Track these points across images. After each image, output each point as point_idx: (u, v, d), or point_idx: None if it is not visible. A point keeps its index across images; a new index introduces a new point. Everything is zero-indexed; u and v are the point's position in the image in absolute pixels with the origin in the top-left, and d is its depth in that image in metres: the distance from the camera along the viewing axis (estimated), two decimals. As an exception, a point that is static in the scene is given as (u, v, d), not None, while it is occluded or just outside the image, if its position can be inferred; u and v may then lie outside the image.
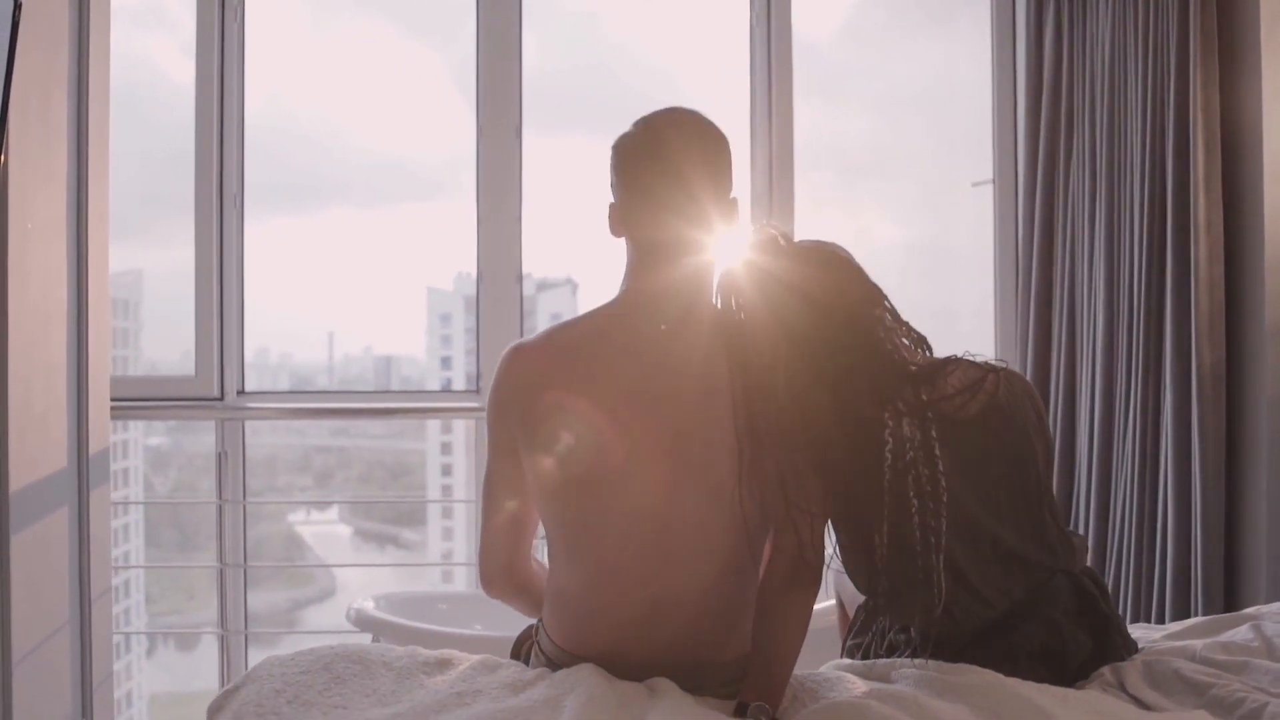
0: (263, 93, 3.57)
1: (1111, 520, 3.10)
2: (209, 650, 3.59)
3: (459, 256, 3.68)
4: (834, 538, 1.73)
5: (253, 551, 3.55)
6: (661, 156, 1.62)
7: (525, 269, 3.53)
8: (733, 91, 3.63)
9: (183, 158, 3.43)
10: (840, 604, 2.30)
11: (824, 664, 1.74)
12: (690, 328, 1.63)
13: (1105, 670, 1.71)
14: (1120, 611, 2.89)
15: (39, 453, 2.38)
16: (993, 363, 1.77)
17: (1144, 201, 2.99)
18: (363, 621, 2.83)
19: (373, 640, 2.74)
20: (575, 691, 1.48)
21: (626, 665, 1.58)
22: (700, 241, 1.63)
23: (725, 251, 1.67)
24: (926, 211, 4.07)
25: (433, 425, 5.29)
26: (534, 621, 1.78)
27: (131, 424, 4.44)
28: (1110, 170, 3.13)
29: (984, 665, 1.62)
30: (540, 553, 1.87)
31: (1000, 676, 1.57)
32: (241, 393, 3.48)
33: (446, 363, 5.25)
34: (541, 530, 1.71)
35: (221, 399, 3.43)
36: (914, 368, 1.71)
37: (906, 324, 1.75)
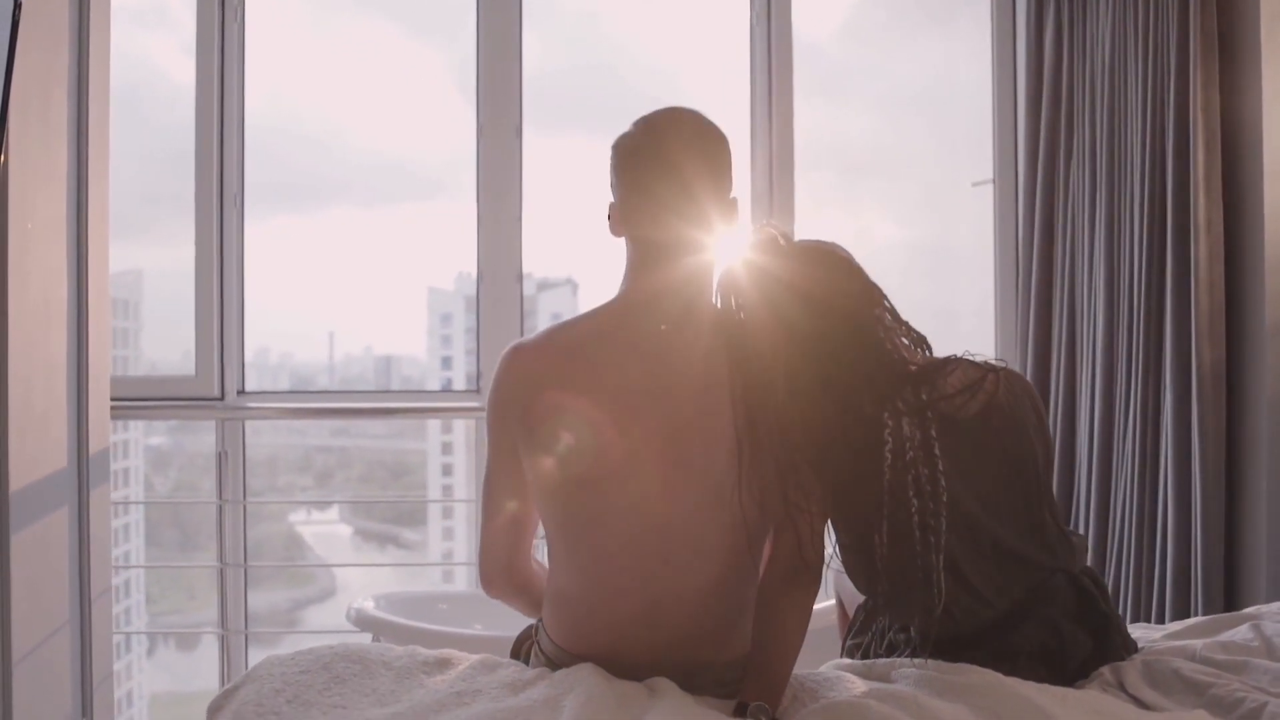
0: (263, 92, 3.57)
1: (1111, 520, 3.10)
2: (209, 650, 3.59)
3: (460, 256, 3.68)
4: (833, 537, 1.73)
5: (253, 551, 3.56)
6: (661, 156, 1.62)
7: (526, 269, 3.53)
8: (733, 91, 3.63)
9: (183, 157, 3.43)
10: (840, 604, 2.30)
11: (824, 664, 1.74)
12: (690, 327, 1.63)
13: (1105, 670, 1.71)
14: (1120, 611, 2.89)
15: (39, 452, 2.38)
16: (992, 362, 1.77)
17: (1144, 201, 2.99)
18: (363, 621, 2.83)
19: (373, 640, 2.74)
20: (575, 691, 1.48)
21: (626, 665, 1.58)
22: (700, 241, 1.63)
23: (725, 251, 1.67)
24: (927, 211, 4.07)
25: (433, 425, 5.29)
26: (534, 621, 1.78)
27: (132, 424, 4.44)
28: (1110, 170, 3.13)
29: (984, 665, 1.62)
30: (540, 553, 1.87)
31: (1000, 676, 1.57)
32: (242, 392, 3.49)
33: (447, 362, 5.25)
34: (541, 530, 1.71)
35: (222, 399, 3.43)
36: (914, 367, 1.71)
37: (906, 324, 1.75)
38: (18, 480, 2.25)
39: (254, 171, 3.51)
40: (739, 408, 1.58)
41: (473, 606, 2.99)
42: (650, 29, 4.18)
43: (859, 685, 1.59)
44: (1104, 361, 3.11)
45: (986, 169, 3.63)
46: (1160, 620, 2.89)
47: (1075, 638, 1.72)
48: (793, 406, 1.60)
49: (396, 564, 5.38)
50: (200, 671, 4.25)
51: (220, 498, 3.41)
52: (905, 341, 1.75)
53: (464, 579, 3.99)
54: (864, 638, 1.88)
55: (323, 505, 6.07)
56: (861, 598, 1.91)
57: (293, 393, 3.98)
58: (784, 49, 3.55)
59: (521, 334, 3.40)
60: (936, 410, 1.67)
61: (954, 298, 4.03)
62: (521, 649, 1.81)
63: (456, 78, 3.72)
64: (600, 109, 4.14)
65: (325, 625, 4.62)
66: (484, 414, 1.71)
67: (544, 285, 4.30)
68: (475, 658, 1.66)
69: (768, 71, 3.56)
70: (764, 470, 1.58)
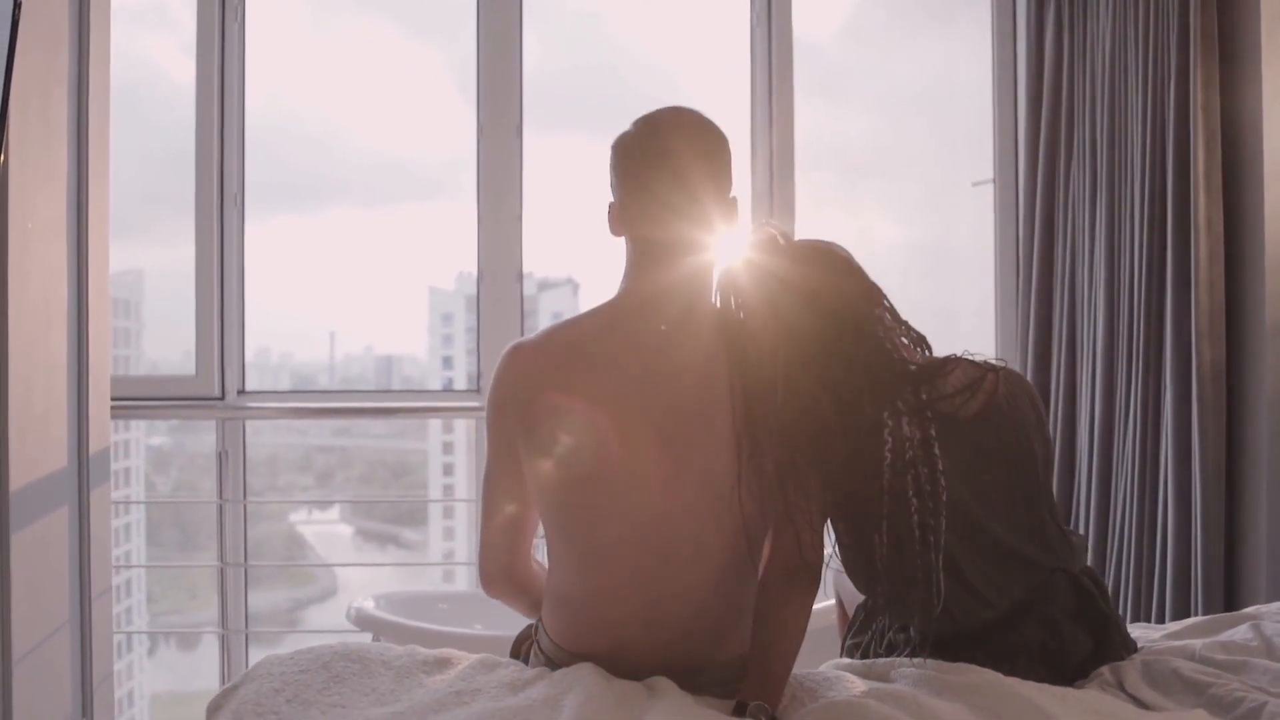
0: (263, 92, 3.57)
1: (1111, 520, 3.10)
2: (210, 650, 3.59)
3: (460, 256, 3.68)
4: (833, 537, 1.73)
5: (254, 551, 3.56)
6: (662, 155, 1.62)
7: (526, 268, 3.53)
8: (733, 91, 3.63)
9: (183, 157, 3.43)
10: (839, 603, 2.30)
11: (823, 663, 1.74)
12: (690, 327, 1.63)
13: (1104, 669, 1.71)
14: (1120, 611, 2.90)
15: (39, 452, 2.38)
16: (992, 362, 1.77)
17: (1144, 201, 2.99)
18: (363, 621, 2.83)
19: (373, 640, 2.74)
20: (574, 690, 1.48)
21: (626, 664, 1.58)
22: (700, 241, 1.63)
23: (725, 251, 1.67)
24: (927, 211, 4.07)
25: (434, 425, 5.30)
26: (533, 621, 1.78)
27: (133, 423, 4.45)
28: (1110, 170, 3.13)
29: (983, 664, 1.62)
30: (540, 552, 1.87)
31: (999, 676, 1.57)
32: (242, 392, 3.49)
33: (448, 362, 5.25)
34: (541, 530, 1.71)
35: (222, 398, 3.43)
36: (913, 367, 1.71)
37: (906, 323, 1.75)
38: (18, 480, 2.25)
39: (254, 171, 3.51)
40: (738, 407, 1.58)
41: (473, 606, 2.99)
42: (650, 29, 4.18)
43: (858, 685, 1.59)
44: (1104, 361, 3.11)
45: (986, 169, 3.63)
46: (1160, 620, 2.89)
47: (1075, 637, 1.72)
48: (792, 406, 1.60)
49: (397, 564, 5.38)
50: (201, 671, 4.25)
51: (221, 497, 3.41)
52: (905, 341, 1.75)
53: (465, 579, 3.99)
54: (863, 637, 1.88)
55: (324, 505, 6.08)
56: (861, 597, 1.91)
57: (293, 392, 3.99)
58: (784, 49, 3.55)
59: (522, 334, 3.40)
60: (936, 410, 1.67)
61: (954, 298, 4.04)
62: (521, 648, 1.81)
63: (457, 77, 3.73)
64: (600, 109, 4.14)
65: (326, 625, 4.63)
66: (484, 414, 1.71)
67: (544, 285, 4.30)
68: (475, 657, 1.66)
69: (768, 71, 3.56)
70: (763, 470, 1.58)
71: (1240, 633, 1.83)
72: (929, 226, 4.09)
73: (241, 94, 3.48)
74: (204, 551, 4.30)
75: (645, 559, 1.58)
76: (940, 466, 1.64)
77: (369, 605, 2.87)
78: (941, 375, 1.71)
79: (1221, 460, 2.85)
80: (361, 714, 1.47)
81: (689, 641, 1.61)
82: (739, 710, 1.49)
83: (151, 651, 4.89)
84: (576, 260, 4.14)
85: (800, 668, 1.63)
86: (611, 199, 1.68)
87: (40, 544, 2.39)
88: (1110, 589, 2.98)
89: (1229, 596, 2.87)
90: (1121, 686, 1.66)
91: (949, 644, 1.68)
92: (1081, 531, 3.16)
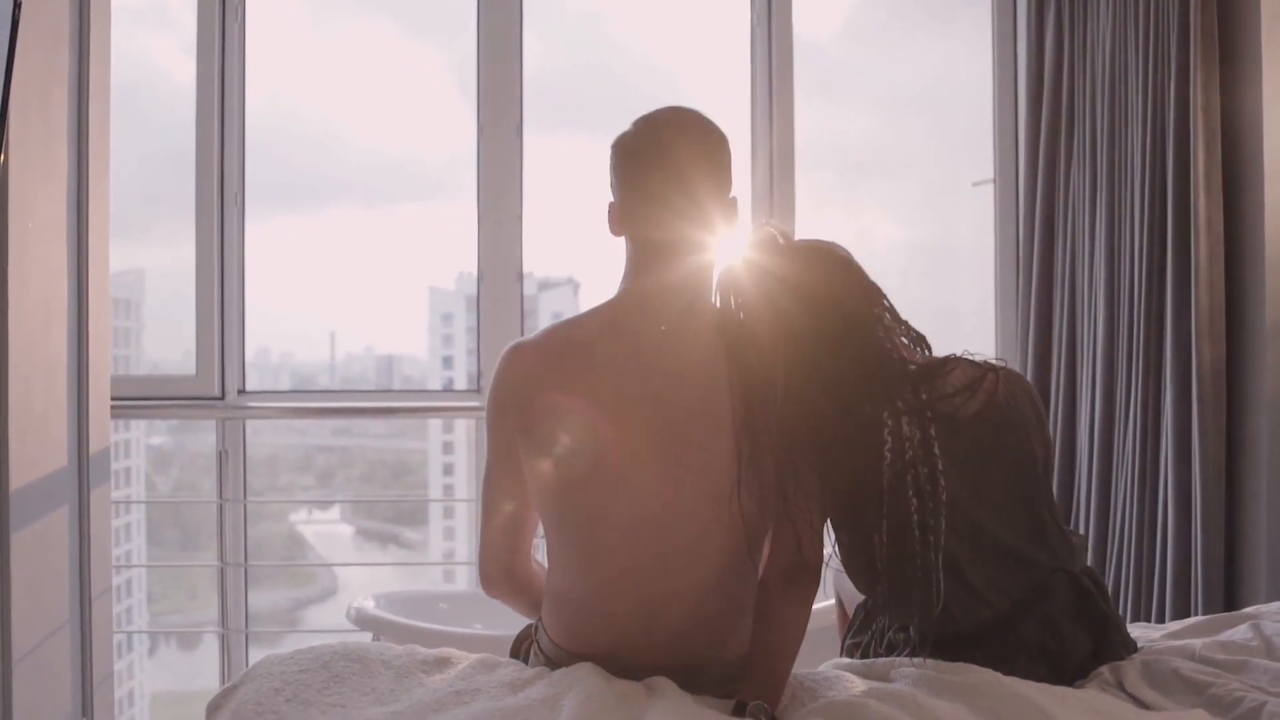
0: (264, 92, 3.57)
1: (1111, 520, 3.10)
2: (210, 649, 3.59)
3: (461, 256, 3.68)
4: (833, 537, 1.73)
5: (254, 551, 3.56)
6: (661, 155, 1.62)
7: (527, 268, 3.54)
8: (733, 91, 3.63)
9: (184, 157, 3.43)
10: (839, 603, 2.30)
11: (823, 663, 1.74)
12: (690, 327, 1.63)
13: (1104, 669, 1.71)
14: (1120, 611, 2.90)
15: (39, 452, 2.38)
16: (992, 362, 1.77)
17: (1144, 201, 2.99)
18: (363, 620, 2.83)
19: (373, 639, 2.74)
20: (574, 690, 1.48)
21: (625, 664, 1.58)
22: (700, 241, 1.63)
23: (725, 251, 1.67)
24: (927, 211, 4.07)
25: (434, 425, 5.30)
26: (533, 620, 1.78)
27: (134, 423, 4.46)
28: (1110, 170, 3.13)
29: (983, 664, 1.61)
30: (539, 552, 1.87)
31: (999, 675, 1.57)
32: (243, 392, 3.49)
33: (448, 362, 5.26)
34: (541, 530, 1.71)
35: (223, 398, 3.43)
36: (913, 366, 1.71)
37: (905, 323, 1.75)
38: (18, 480, 2.25)
39: (254, 171, 3.51)
40: (738, 407, 1.58)
41: (473, 606, 2.99)
42: (650, 29, 4.18)
43: (858, 684, 1.59)
44: (1104, 361, 3.11)
45: (987, 169, 3.63)
46: (1160, 620, 2.89)
47: (1075, 637, 1.72)
48: (792, 405, 1.60)
49: (398, 563, 5.39)
50: (201, 671, 4.26)
51: (221, 497, 3.41)
52: (905, 341, 1.75)
53: (465, 578, 4.00)
54: (863, 637, 1.88)
55: (324, 505, 6.09)
56: (861, 597, 1.91)
57: (294, 392, 3.99)
58: (784, 49, 3.55)
59: (522, 333, 3.40)
60: (936, 409, 1.67)
61: (954, 297, 4.04)
62: (521, 648, 1.81)
63: (457, 77, 3.73)
64: (600, 109, 4.15)
65: (326, 625, 4.63)
66: (484, 413, 1.71)
67: (545, 285, 4.31)
68: (474, 657, 1.66)
69: (768, 71, 3.56)
70: (763, 469, 1.58)
71: (1240, 632, 1.83)
72: (929, 226, 4.09)
73: (242, 94, 3.48)
74: (204, 551, 4.31)
75: (645, 559, 1.58)
76: (940, 466, 1.64)
77: (369, 605, 2.87)
78: (941, 375, 1.71)
79: (1221, 460, 2.85)
80: (361, 713, 1.47)
81: (689, 641, 1.61)
82: (738, 710, 1.49)
83: (152, 651, 4.89)
84: (577, 260, 4.15)
85: (800, 667, 1.63)
86: (611, 199, 1.68)
87: (40, 544, 2.39)
88: (1110, 589, 2.98)
89: (1229, 596, 2.87)
90: (1121, 686, 1.66)
91: (949, 644, 1.68)
92: (1081, 531, 3.16)
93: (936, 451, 1.64)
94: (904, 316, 1.76)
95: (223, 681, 3.40)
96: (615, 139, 1.67)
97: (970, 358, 1.76)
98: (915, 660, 1.64)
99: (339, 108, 4.28)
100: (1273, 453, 2.79)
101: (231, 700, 1.54)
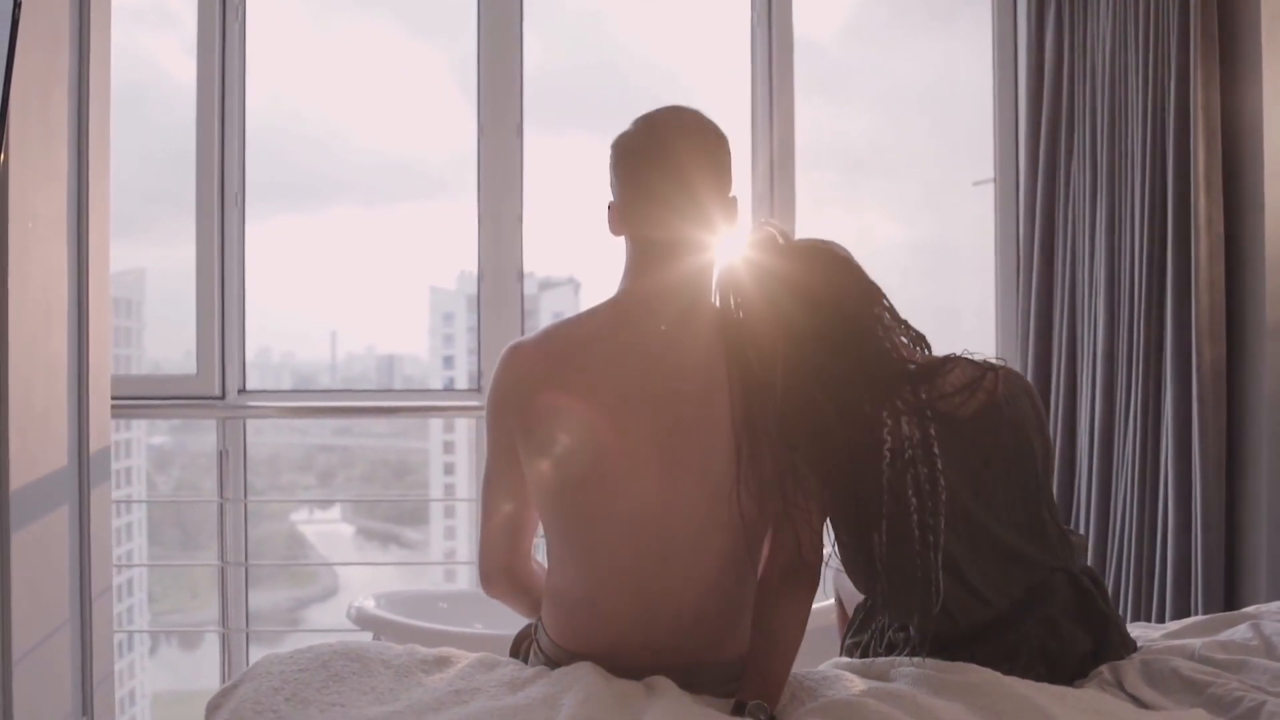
0: (265, 91, 3.57)
1: (1111, 520, 3.10)
2: (211, 649, 3.59)
3: (461, 255, 3.68)
4: (832, 536, 1.73)
5: (255, 550, 3.56)
6: (661, 155, 1.62)
7: (527, 268, 3.53)
8: (734, 90, 3.63)
9: (184, 156, 3.43)
10: (839, 602, 2.30)
11: (823, 662, 1.74)
12: (690, 327, 1.63)
13: (1104, 669, 1.71)
14: (1120, 611, 2.90)
15: (39, 451, 2.38)
16: (992, 361, 1.77)
17: (1144, 201, 2.99)
18: (363, 620, 2.83)
19: (373, 639, 2.74)
20: (573, 690, 1.48)
21: (624, 663, 1.58)
22: (700, 240, 1.63)
23: (725, 250, 1.67)
24: (928, 211, 4.07)
25: (435, 424, 5.31)
26: (533, 620, 1.79)
27: (134, 423, 4.46)
28: (1111, 170, 3.13)
29: (982, 664, 1.61)
30: (539, 552, 1.88)
31: (999, 675, 1.57)
32: (243, 391, 3.49)
33: (449, 361, 5.27)
34: (541, 530, 1.71)
35: (223, 398, 3.43)
36: (913, 366, 1.71)
37: (905, 322, 1.75)
38: (18, 479, 2.25)
39: (255, 171, 3.51)
40: (738, 407, 1.58)
41: (473, 605, 2.99)
42: (651, 28, 4.18)
43: (858, 684, 1.59)
44: (1104, 361, 3.11)
45: (987, 168, 3.63)
46: (1160, 620, 2.89)
47: (1074, 637, 1.72)
48: (792, 405, 1.60)
49: (398, 563, 5.39)
50: (202, 670, 4.26)
51: (222, 496, 3.42)
52: (904, 340, 1.74)
53: (466, 578, 4.00)
54: (863, 636, 1.88)
55: (325, 504, 6.09)
56: (860, 596, 1.91)
57: (294, 392, 3.99)
58: (785, 48, 3.55)
59: (522, 333, 3.40)
60: (935, 409, 1.67)
61: (954, 297, 4.04)
62: (520, 648, 1.81)
63: (458, 77, 3.73)
64: (601, 108, 4.15)
65: (327, 624, 4.64)
66: (484, 413, 1.72)
67: (545, 284, 4.31)
68: (474, 656, 1.66)
69: (768, 70, 3.56)
70: (763, 469, 1.58)
71: (1240, 632, 1.83)
72: (929, 226, 4.09)
73: (242, 93, 3.48)
74: (205, 551, 4.31)
75: (644, 558, 1.58)
76: (940, 466, 1.64)
77: (369, 604, 2.87)
78: (941, 374, 1.71)
79: (1221, 460, 2.85)
80: (360, 713, 1.47)
81: (688, 640, 1.61)
82: (738, 709, 1.49)
83: (152, 651, 4.90)
84: (577, 260, 4.15)
85: (800, 667, 1.63)
86: (611, 199, 1.68)
87: (40, 543, 2.39)
88: (1110, 589, 2.99)
89: (1229, 596, 2.87)
90: (1121, 686, 1.66)
91: (949, 643, 1.68)
92: (1081, 531, 3.16)
93: (936, 451, 1.64)
94: (904, 316, 1.75)
95: (223, 681, 3.40)
96: (615, 138, 1.67)
97: (970, 357, 1.75)
98: (915, 660, 1.64)
99: (340, 107, 4.28)
100: (1273, 453, 2.79)
101: (231, 699, 1.54)
